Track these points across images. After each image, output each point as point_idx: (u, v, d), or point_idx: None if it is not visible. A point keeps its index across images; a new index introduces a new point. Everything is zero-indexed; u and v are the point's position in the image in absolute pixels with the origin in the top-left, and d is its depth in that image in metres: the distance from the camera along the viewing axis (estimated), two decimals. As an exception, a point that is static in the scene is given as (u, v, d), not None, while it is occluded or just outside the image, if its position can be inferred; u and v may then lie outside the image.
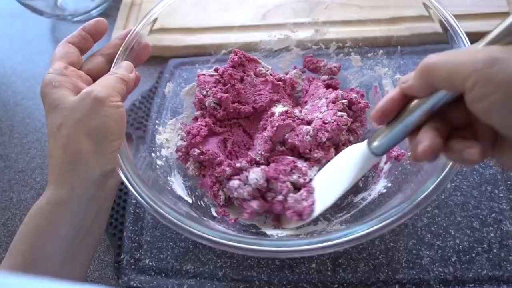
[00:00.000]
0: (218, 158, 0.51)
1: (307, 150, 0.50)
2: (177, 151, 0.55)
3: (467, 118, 0.31)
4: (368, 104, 0.55)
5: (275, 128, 0.51)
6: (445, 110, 0.32)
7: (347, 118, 0.51)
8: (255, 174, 0.48)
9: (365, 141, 0.38)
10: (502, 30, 0.28)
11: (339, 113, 0.51)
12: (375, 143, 0.37)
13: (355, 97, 0.54)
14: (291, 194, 0.47)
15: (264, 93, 0.56)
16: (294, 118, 0.52)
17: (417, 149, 0.31)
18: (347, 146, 0.51)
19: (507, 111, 0.26)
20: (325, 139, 0.50)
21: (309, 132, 0.50)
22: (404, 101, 0.33)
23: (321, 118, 0.51)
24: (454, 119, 0.32)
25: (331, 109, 0.52)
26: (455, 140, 0.31)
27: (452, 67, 0.28)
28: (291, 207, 0.46)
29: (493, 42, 0.29)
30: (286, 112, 0.53)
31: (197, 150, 0.52)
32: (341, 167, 0.43)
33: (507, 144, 0.29)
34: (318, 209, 0.44)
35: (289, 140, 0.51)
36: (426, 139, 0.31)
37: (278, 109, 0.55)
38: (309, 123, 0.52)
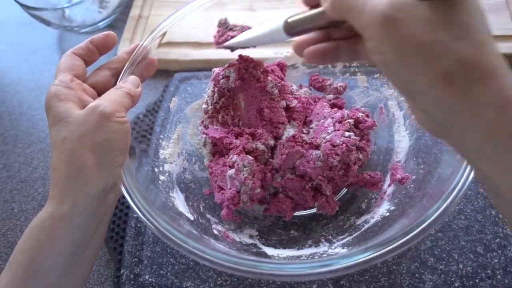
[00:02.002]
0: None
1: (320, 176, 0.50)
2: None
3: None
4: (376, 122, 0.55)
5: (284, 156, 0.50)
6: None
7: (355, 138, 0.51)
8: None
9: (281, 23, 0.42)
10: None
11: (347, 133, 0.51)
12: (289, 21, 0.40)
13: (361, 115, 0.54)
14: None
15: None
16: (302, 143, 0.51)
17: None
18: (357, 165, 0.51)
19: (396, 69, 0.27)
20: (336, 163, 0.49)
21: (319, 157, 0.49)
22: None
23: (329, 141, 0.50)
24: None
25: (338, 130, 0.52)
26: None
27: (357, 11, 0.28)
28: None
29: None
30: (293, 137, 0.52)
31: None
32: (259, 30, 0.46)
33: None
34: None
35: (300, 168, 0.50)
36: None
37: (287, 129, 0.54)
38: (317, 146, 0.51)
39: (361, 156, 0.52)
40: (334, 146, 0.49)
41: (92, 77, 0.47)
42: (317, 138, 0.52)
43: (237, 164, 0.48)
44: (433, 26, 0.25)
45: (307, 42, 0.38)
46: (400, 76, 0.28)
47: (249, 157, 0.49)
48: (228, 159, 0.50)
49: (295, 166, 0.51)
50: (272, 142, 0.52)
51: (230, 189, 0.49)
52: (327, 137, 0.52)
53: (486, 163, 0.27)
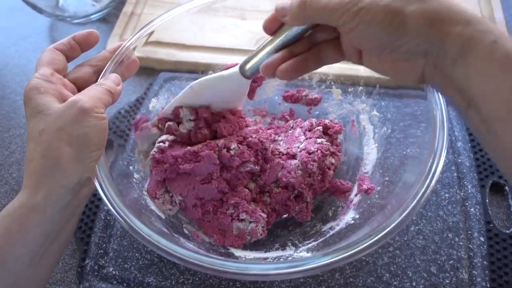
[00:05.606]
0: None
1: (302, 185, 0.52)
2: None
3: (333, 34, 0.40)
4: (342, 126, 0.58)
5: (268, 171, 0.52)
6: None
7: (327, 143, 0.54)
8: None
9: (237, 68, 0.46)
10: None
11: (319, 140, 0.53)
12: (246, 67, 0.45)
13: (328, 122, 0.57)
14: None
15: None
16: (279, 154, 0.54)
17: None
18: (331, 170, 0.53)
19: (369, 36, 0.35)
20: (315, 169, 0.51)
21: (298, 166, 0.52)
22: (280, 23, 0.41)
23: (304, 149, 0.53)
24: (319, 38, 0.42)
25: (310, 138, 0.54)
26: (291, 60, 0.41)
27: (325, 13, 0.35)
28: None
29: None
30: (270, 151, 0.53)
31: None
32: (221, 91, 0.51)
33: (372, 54, 0.38)
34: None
35: (283, 179, 0.52)
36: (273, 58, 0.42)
37: None
38: (293, 156, 0.53)
39: (333, 161, 0.55)
40: (309, 153, 0.52)
41: (73, 73, 0.48)
42: (291, 148, 0.54)
43: (257, 227, 0.50)
44: None
45: (274, 63, 0.42)
46: (380, 37, 0.34)
47: (262, 214, 0.51)
48: (228, 212, 0.51)
49: (278, 179, 0.53)
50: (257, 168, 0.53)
51: (237, 236, 0.50)
52: (300, 146, 0.54)
53: (460, 70, 0.32)
